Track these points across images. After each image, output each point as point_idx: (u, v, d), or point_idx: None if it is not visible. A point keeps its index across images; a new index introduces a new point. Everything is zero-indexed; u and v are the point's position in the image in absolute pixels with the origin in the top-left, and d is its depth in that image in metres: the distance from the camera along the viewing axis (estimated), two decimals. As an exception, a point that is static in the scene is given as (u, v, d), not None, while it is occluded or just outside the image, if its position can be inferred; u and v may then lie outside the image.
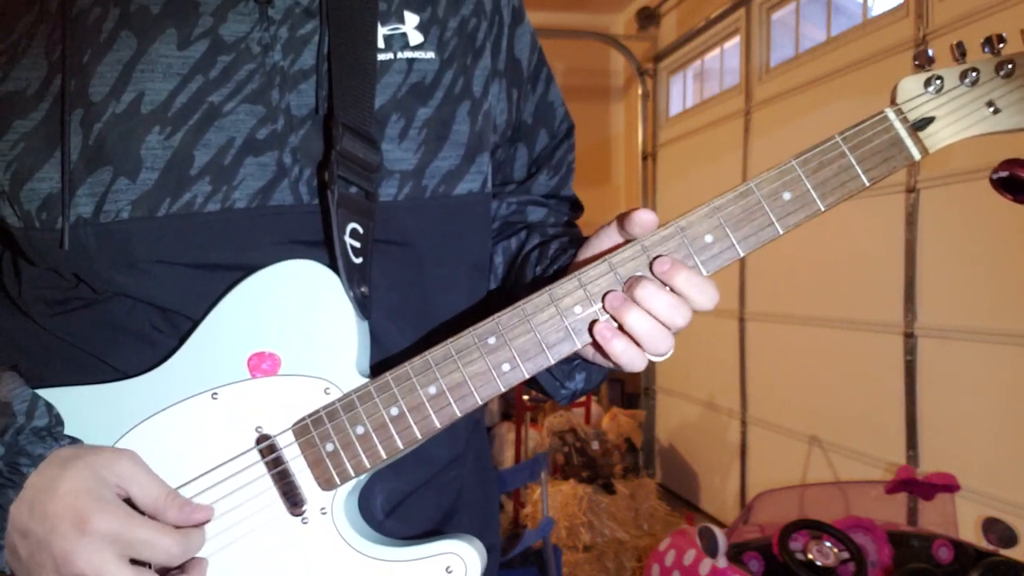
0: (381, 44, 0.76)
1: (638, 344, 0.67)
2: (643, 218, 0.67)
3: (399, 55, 0.76)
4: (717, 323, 4.43)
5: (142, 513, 0.66)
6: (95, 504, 0.62)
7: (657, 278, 0.66)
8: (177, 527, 0.66)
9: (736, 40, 4.45)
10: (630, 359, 0.67)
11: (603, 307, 0.67)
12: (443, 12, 0.80)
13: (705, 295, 0.66)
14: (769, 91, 4.01)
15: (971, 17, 2.67)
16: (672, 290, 0.66)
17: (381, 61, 0.75)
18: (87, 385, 0.70)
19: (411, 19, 0.78)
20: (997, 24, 2.49)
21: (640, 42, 5.53)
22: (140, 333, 0.72)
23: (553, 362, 0.68)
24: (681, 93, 5.31)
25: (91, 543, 0.61)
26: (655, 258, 0.66)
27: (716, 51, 4.78)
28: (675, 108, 5.37)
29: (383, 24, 0.76)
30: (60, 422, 0.68)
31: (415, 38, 0.77)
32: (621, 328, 0.67)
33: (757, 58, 4.16)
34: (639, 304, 0.65)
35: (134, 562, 0.63)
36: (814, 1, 3.85)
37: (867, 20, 3.37)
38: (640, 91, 5.52)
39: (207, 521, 0.68)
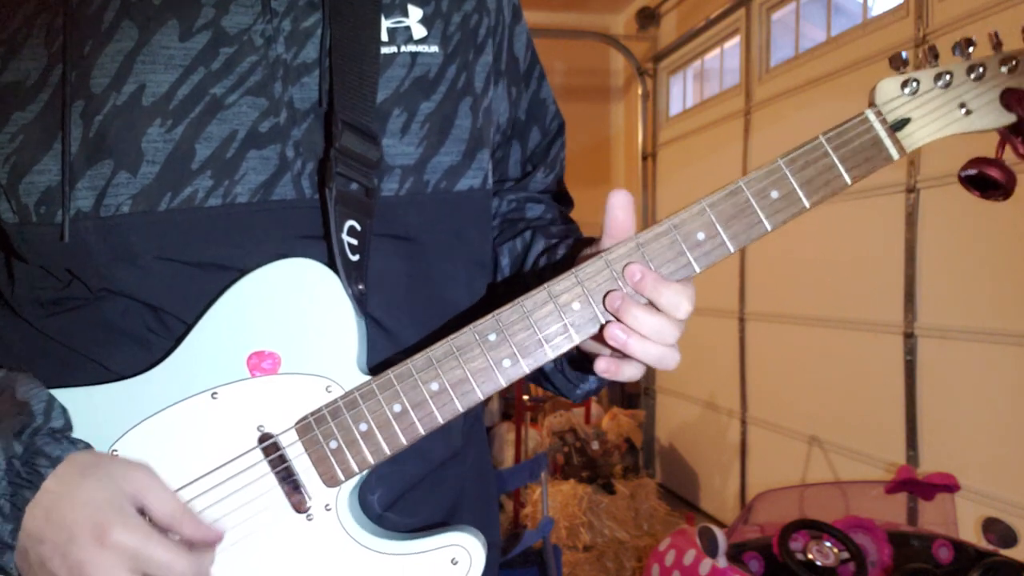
0: (385, 37, 0.75)
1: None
2: (616, 201, 0.70)
3: (403, 48, 0.76)
4: (717, 323, 4.43)
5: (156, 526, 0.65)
6: (117, 517, 0.61)
7: (630, 285, 0.68)
8: (190, 545, 0.65)
9: (736, 40, 4.45)
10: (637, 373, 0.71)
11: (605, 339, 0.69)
12: (446, 6, 0.80)
13: (679, 300, 0.67)
14: (769, 91, 4.01)
15: (971, 17, 2.67)
16: (647, 299, 0.68)
17: (385, 54, 0.75)
18: (83, 387, 0.70)
19: (415, 12, 0.78)
20: (997, 24, 2.49)
21: (640, 42, 5.53)
22: (135, 334, 0.72)
23: (552, 357, 0.69)
24: (681, 93, 5.31)
25: (109, 556, 0.60)
26: (626, 265, 0.68)
27: (716, 51, 4.78)
28: (675, 108, 5.37)
29: (387, 17, 0.76)
30: (71, 426, 0.68)
31: (419, 32, 0.77)
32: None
33: (757, 58, 4.17)
34: (637, 332, 0.67)
35: None
36: (814, 1, 3.85)
37: (867, 20, 3.37)
38: (640, 91, 5.53)
39: (220, 542, 0.68)
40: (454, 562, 0.69)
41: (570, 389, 0.84)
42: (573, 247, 0.83)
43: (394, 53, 0.76)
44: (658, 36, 5.42)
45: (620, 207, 0.69)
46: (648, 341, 0.67)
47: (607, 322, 0.68)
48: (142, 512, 0.64)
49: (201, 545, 0.66)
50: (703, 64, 5.01)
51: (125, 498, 0.63)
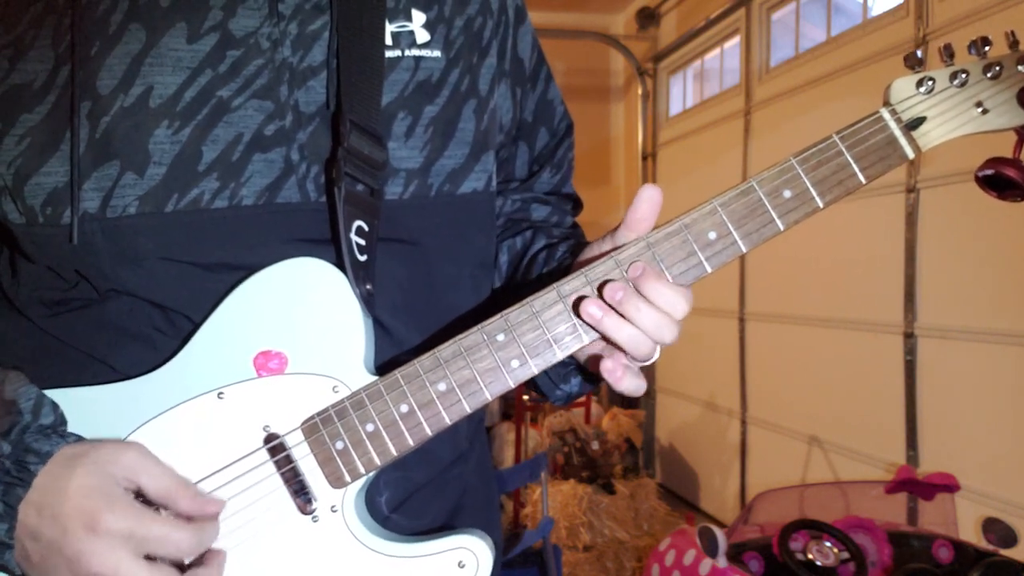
0: (389, 41, 0.75)
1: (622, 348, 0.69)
2: (646, 194, 0.69)
3: (406, 53, 0.76)
4: (717, 323, 4.43)
5: (153, 504, 0.65)
6: (105, 503, 0.61)
7: (631, 282, 0.67)
8: (190, 518, 0.65)
9: (736, 40, 4.46)
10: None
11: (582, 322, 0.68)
12: (449, 11, 0.80)
13: (675, 304, 0.66)
14: (769, 91, 4.01)
15: (971, 17, 2.68)
16: (643, 296, 0.67)
17: (389, 58, 0.75)
18: (89, 386, 0.69)
19: (418, 17, 0.78)
20: (997, 24, 2.50)
21: (640, 42, 5.53)
22: (141, 334, 0.72)
23: (561, 358, 0.68)
24: (681, 93, 5.32)
25: (105, 543, 0.60)
26: (631, 264, 0.67)
27: (716, 51, 4.79)
28: (675, 108, 5.37)
29: (391, 21, 0.76)
30: (64, 421, 0.68)
31: (422, 36, 0.77)
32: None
33: (757, 58, 4.17)
34: (627, 319, 0.66)
35: (149, 557, 0.63)
36: (814, 1, 3.86)
37: (867, 20, 3.37)
38: (640, 91, 5.53)
39: (219, 512, 0.68)
40: (461, 565, 0.68)
41: (551, 389, 0.84)
42: (574, 248, 0.83)
43: (398, 57, 0.76)
44: (658, 36, 5.42)
45: (647, 199, 0.69)
46: (624, 322, 0.66)
47: (582, 297, 0.67)
48: (139, 492, 0.64)
49: (201, 517, 0.66)
50: (703, 64, 5.01)
51: (114, 482, 0.63)
